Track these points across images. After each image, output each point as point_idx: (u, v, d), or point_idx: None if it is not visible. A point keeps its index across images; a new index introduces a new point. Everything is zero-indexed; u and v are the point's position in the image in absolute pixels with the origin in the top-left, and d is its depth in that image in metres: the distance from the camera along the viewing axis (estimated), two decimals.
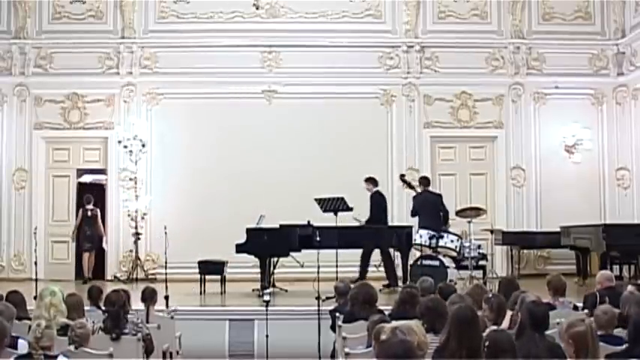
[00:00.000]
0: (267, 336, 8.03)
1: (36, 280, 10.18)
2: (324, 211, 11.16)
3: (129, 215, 13.70)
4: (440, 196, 11.81)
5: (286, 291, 11.36)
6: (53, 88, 13.99)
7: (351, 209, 11.18)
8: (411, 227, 11.50)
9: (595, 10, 14.62)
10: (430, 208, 11.37)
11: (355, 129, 13.95)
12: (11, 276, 13.35)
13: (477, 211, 11.73)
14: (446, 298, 5.82)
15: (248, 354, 9.07)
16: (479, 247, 11.46)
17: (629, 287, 6.59)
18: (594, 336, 4.30)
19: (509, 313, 5.68)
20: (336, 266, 10.43)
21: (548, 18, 14.63)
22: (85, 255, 13.51)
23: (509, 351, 4.14)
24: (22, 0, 14.06)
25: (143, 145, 13.64)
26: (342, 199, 11.10)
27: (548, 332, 4.81)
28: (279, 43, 14.16)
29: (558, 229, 12.48)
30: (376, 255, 11.76)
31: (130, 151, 13.58)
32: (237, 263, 11.76)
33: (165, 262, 10.09)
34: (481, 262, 11.61)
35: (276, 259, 11.55)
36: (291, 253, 11.17)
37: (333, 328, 7.16)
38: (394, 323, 4.47)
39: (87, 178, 14.83)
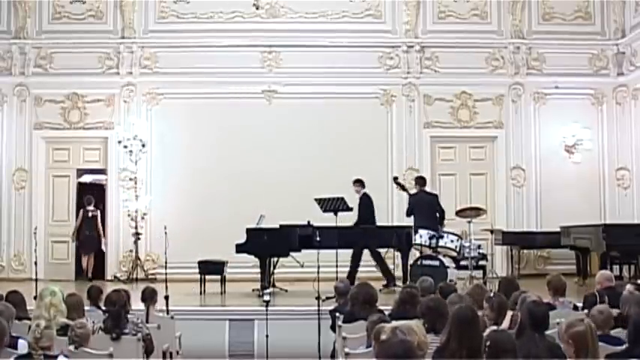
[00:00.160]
0: (267, 336, 8.03)
1: (36, 280, 10.15)
2: (324, 211, 11.15)
3: (129, 215, 13.70)
4: (436, 196, 11.80)
5: (286, 291, 11.36)
6: (53, 88, 14.00)
7: (351, 209, 11.18)
8: (411, 227, 11.47)
9: (595, 10, 14.62)
10: (426, 208, 11.34)
11: (355, 129, 13.95)
12: (11, 276, 13.36)
13: (476, 211, 11.71)
14: (446, 298, 5.82)
15: (248, 354, 9.07)
16: (479, 247, 11.42)
17: (629, 287, 6.58)
18: (594, 336, 4.28)
19: (509, 313, 5.68)
20: (336, 266, 10.42)
21: (548, 18, 14.64)
22: (84, 257, 13.59)
23: (510, 351, 4.13)
24: (22, 0, 14.07)
25: (143, 145, 13.64)
26: (342, 199, 11.09)
27: (548, 332, 4.80)
28: (279, 43, 14.17)
29: (558, 229, 12.48)
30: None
31: (130, 151, 13.58)
32: (237, 263, 11.77)
33: (166, 262, 10.05)
34: (481, 262, 11.58)
35: (276, 259, 11.56)
36: (291, 253, 11.17)
37: (333, 328, 7.15)
38: (394, 323, 4.46)
39: (87, 178, 14.85)
